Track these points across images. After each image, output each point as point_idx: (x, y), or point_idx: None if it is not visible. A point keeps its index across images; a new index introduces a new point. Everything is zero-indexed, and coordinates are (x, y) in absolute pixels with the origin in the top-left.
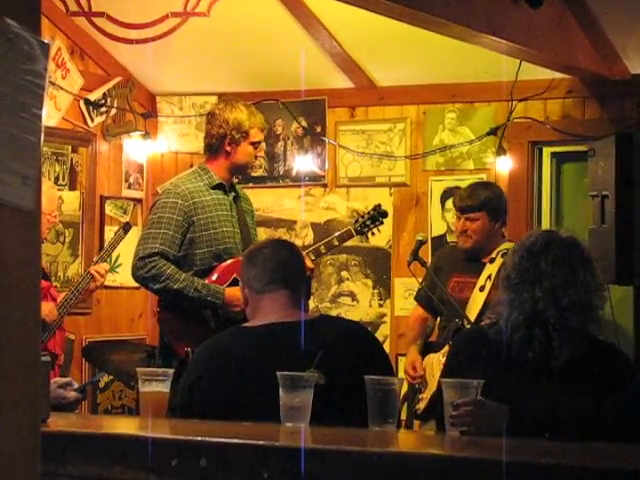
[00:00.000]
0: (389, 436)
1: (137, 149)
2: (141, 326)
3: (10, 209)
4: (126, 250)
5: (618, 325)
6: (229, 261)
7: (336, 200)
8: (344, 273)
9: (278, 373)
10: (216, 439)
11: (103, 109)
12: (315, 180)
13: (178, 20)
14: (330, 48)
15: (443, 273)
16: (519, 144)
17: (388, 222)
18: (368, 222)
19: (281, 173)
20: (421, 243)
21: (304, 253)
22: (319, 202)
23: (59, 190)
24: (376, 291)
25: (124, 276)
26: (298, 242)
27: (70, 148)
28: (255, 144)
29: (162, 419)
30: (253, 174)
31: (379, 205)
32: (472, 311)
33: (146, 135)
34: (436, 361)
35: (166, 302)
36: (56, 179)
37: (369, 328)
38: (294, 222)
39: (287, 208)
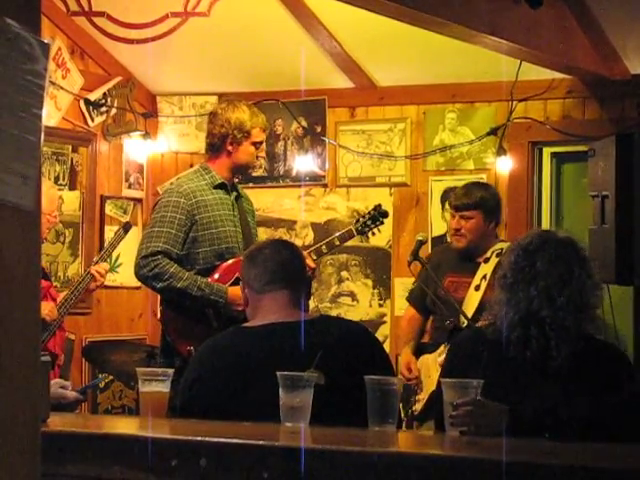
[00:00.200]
0: (389, 436)
1: (137, 149)
2: (141, 326)
3: (10, 209)
4: (126, 250)
5: (618, 325)
6: (230, 261)
7: (336, 200)
8: (344, 273)
9: (278, 373)
10: (216, 439)
11: (103, 109)
12: (315, 180)
13: (178, 20)
14: (330, 48)
15: (438, 272)
16: (519, 144)
17: (388, 222)
18: (369, 222)
19: (281, 173)
20: (421, 243)
21: (305, 253)
22: (319, 202)
23: (59, 190)
24: (376, 291)
25: (124, 276)
26: (298, 242)
27: (70, 148)
28: (257, 144)
29: (162, 419)
30: (253, 174)
31: (379, 205)
32: (468, 310)
33: (146, 135)
34: (432, 362)
35: (169, 301)
36: (56, 179)
37: (369, 328)
38: (294, 222)
39: (287, 208)
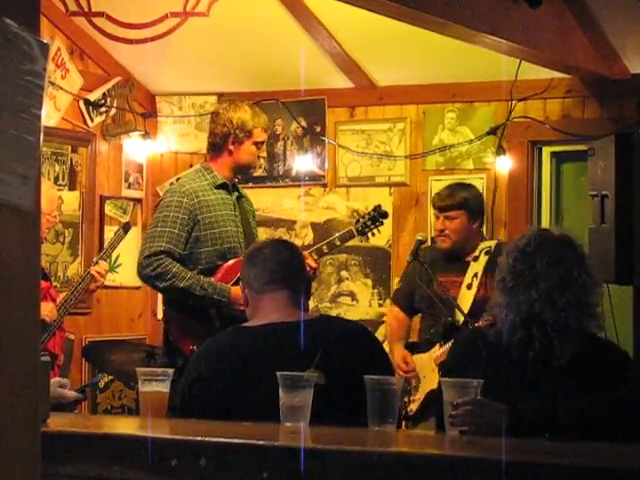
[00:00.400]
0: (389, 436)
1: (137, 149)
2: (141, 326)
3: (10, 209)
4: (126, 250)
5: (617, 325)
6: (232, 261)
7: (336, 200)
8: (344, 273)
9: (278, 373)
10: (216, 439)
11: (103, 109)
12: (315, 180)
13: (178, 20)
14: (330, 48)
15: (428, 273)
16: (519, 144)
17: (388, 222)
18: (369, 222)
19: (281, 173)
20: (421, 243)
21: (307, 253)
22: (319, 202)
23: (59, 190)
24: (376, 291)
25: (124, 276)
26: (298, 242)
27: (70, 148)
28: (258, 144)
29: (162, 419)
30: (253, 174)
31: (379, 206)
32: (462, 308)
33: (146, 135)
34: (426, 361)
35: (172, 300)
36: (56, 179)
37: (369, 328)
38: (294, 222)
39: (287, 208)
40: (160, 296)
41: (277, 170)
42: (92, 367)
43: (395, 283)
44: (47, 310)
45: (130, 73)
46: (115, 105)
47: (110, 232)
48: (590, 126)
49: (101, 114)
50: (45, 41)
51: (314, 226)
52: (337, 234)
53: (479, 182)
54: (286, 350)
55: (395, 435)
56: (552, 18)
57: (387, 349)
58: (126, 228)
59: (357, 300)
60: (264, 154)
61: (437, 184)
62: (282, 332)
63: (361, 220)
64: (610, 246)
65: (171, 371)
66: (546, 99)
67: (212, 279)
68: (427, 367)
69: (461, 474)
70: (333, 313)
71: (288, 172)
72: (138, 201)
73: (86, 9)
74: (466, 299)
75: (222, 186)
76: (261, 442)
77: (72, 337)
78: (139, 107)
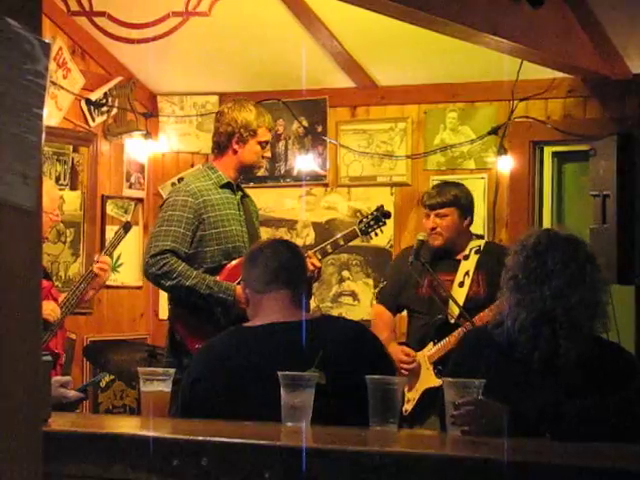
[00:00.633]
0: (390, 436)
1: (138, 149)
2: (142, 326)
3: (11, 209)
4: (127, 250)
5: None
6: (235, 262)
7: (337, 200)
8: (345, 272)
9: (279, 373)
10: (217, 439)
11: (104, 109)
12: (316, 180)
13: (179, 20)
14: (331, 48)
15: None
16: (520, 144)
17: (389, 222)
18: (372, 223)
19: (282, 173)
20: (422, 243)
21: (311, 252)
22: (320, 202)
23: (60, 190)
24: (377, 290)
25: (125, 276)
26: (299, 242)
27: (71, 148)
28: (263, 143)
29: (163, 419)
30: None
31: (382, 206)
32: (454, 307)
33: (147, 135)
34: (420, 359)
35: (177, 299)
36: (57, 179)
37: (370, 328)
38: (295, 222)
39: (288, 208)
40: (162, 296)
41: (278, 170)
42: (93, 367)
43: None
44: (49, 309)
45: (131, 73)
46: (116, 105)
47: (111, 232)
48: (591, 126)
49: (102, 114)
50: (47, 41)
51: (315, 226)
52: (340, 234)
53: (480, 182)
54: (287, 350)
55: (397, 435)
56: (554, 18)
57: None
58: (126, 227)
59: (358, 300)
60: (269, 154)
61: None
62: (283, 332)
63: (364, 220)
64: (611, 246)
65: (172, 371)
66: (548, 99)
67: (217, 278)
68: (422, 365)
69: (461, 474)
70: (334, 313)
71: (289, 172)
72: (139, 201)
73: (88, 9)
74: (458, 297)
75: (226, 186)
76: (262, 442)
77: (73, 337)
78: (140, 107)
